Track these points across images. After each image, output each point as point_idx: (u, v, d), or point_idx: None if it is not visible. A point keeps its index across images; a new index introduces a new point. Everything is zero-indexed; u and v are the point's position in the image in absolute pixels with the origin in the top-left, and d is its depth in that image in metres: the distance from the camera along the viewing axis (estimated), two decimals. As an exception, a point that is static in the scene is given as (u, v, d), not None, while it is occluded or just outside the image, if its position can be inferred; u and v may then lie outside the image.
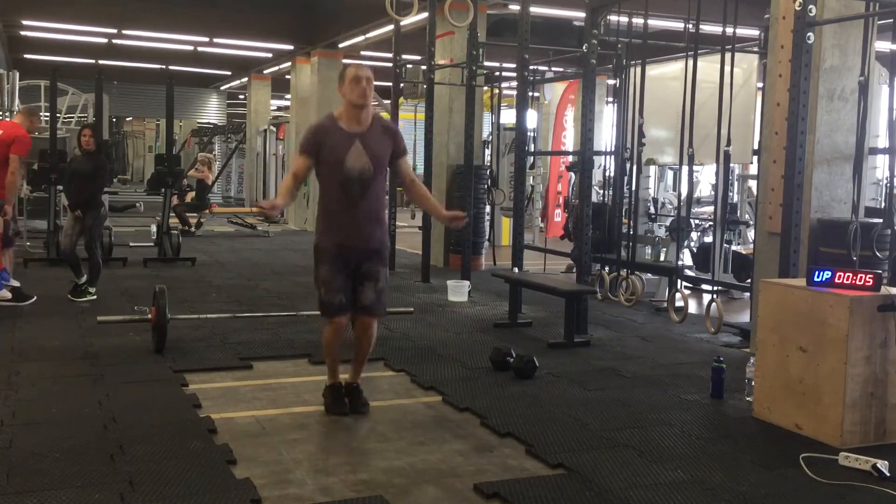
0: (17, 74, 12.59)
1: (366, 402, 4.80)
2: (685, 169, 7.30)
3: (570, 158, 12.27)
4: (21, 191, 11.93)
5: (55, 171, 10.49)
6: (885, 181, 8.64)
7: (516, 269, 7.94)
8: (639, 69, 7.67)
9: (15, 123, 7.96)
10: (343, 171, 4.47)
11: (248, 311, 7.54)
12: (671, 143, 7.96)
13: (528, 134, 10.73)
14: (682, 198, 7.75)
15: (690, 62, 6.77)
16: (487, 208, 11.78)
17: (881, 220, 5.82)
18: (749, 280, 7.58)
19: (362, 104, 4.51)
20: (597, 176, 10.66)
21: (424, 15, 10.36)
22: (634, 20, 8.12)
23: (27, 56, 20.20)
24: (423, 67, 10.80)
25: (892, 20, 7.13)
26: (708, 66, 6.97)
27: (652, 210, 10.09)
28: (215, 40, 17.63)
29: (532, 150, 12.96)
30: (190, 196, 14.92)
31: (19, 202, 11.90)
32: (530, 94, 10.23)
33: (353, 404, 4.77)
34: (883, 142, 7.73)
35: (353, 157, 4.47)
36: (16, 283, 8.18)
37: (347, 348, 4.78)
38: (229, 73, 23.20)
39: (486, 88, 12.73)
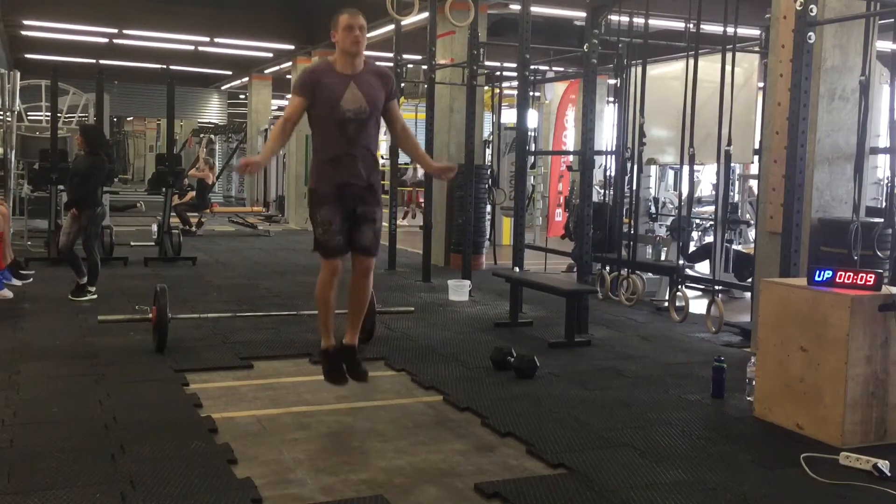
0: (18, 74, 12.59)
1: (364, 368, 4.74)
2: (686, 169, 7.29)
3: (571, 158, 12.27)
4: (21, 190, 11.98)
5: (56, 171, 10.49)
6: (885, 181, 8.63)
7: (517, 269, 7.94)
8: (639, 69, 7.66)
9: None
10: (339, 112, 4.47)
11: (249, 310, 7.54)
12: (672, 143, 7.95)
13: (529, 133, 10.72)
14: (683, 197, 7.74)
15: (691, 62, 6.77)
16: (488, 208, 11.78)
17: (882, 220, 5.82)
18: (750, 279, 7.57)
19: (356, 52, 4.51)
20: (597, 175, 10.65)
21: (425, 15, 10.35)
22: (635, 20, 8.11)
23: (28, 56, 20.21)
24: (424, 67, 10.81)
25: (893, 20, 7.12)
26: (709, 65, 6.96)
27: (653, 209, 10.08)
28: (216, 40, 17.63)
29: (533, 149, 12.95)
30: (190, 196, 14.93)
31: (20, 201, 11.94)
32: (531, 93, 10.22)
33: (350, 370, 4.71)
34: (884, 141, 7.72)
35: (348, 98, 4.48)
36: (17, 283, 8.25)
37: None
38: (230, 72, 23.20)
39: (486, 88, 12.73)
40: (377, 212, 4.65)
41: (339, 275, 4.61)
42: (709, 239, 10.88)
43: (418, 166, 13.13)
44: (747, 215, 10.66)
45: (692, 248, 10.55)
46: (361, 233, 4.59)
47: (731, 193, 9.38)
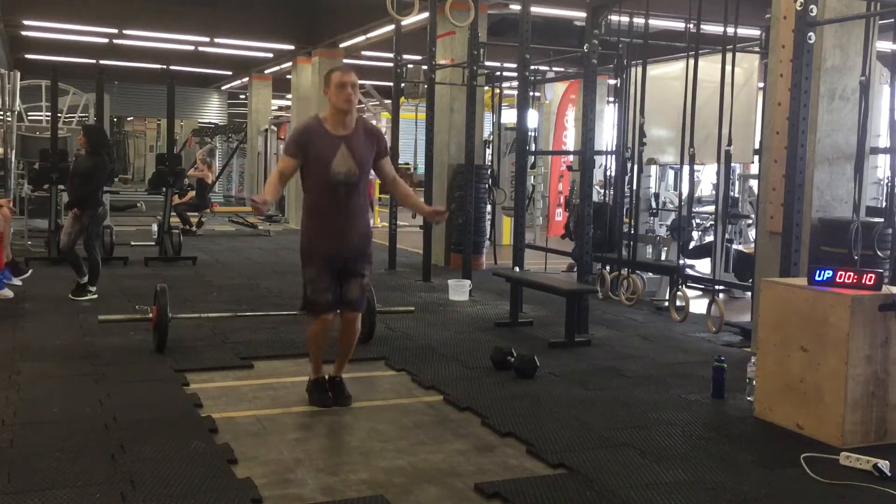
0: (18, 74, 12.59)
1: (349, 395, 4.92)
2: (686, 168, 7.29)
3: (571, 158, 12.27)
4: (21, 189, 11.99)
5: (56, 171, 10.49)
6: (886, 181, 8.63)
7: (517, 269, 7.94)
8: (640, 69, 7.66)
9: None
10: (329, 175, 4.56)
11: (249, 310, 7.54)
12: (672, 143, 7.95)
13: (529, 133, 10.71)
14: (684, 197, 7.74)
15: (691, 62, 6.77)
16: (488, 208, 11.78)
17: (882, 220, 5.82)
18: (751, 279, 7.57)
19: (347, 109, 4.60)
20: (597, 175, 10.65)
21: (425, 15, 10.35)
22: (635, 20, 8.11)
23: (28, 56, 20.21)
24: (424, 67, 10.81)
25: (893, 20, 7.12)
26: (709, 65, 6.96)
27: (653, 205, 10.06)
28: (216, 40, 17.63)
29: (533, 149, 12.94)
30: (190, 195, 14.93)
31: (20, 201, 11.93)
32: (531, 93, 10.21)
33: (336, 397, 4.88)
34: (884, 141, 7.71)
35: (339, 161, 4.56)
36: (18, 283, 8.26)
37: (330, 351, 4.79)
38: (230, 72, 23.20)
39: (486, 88, 12.72)
40: (367, 268, 4.78)
41: (330, 326, 4.78)
42: (709, 238, 10.88)
43: (419, 168, 13.08)
44: (748, 207, 10.66)
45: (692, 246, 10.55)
46: (349, 287, 4.72)
47: (732, 192, 9.37)
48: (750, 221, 10.73)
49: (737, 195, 10.43)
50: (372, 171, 4.83)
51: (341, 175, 4.56)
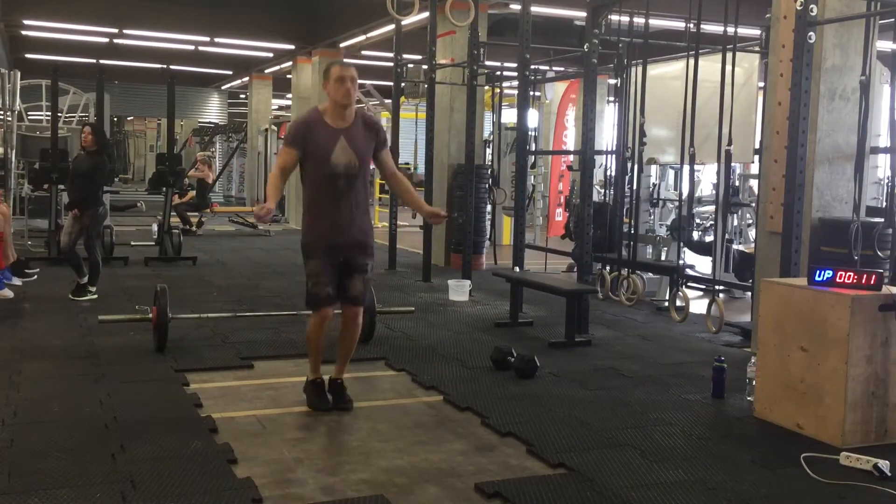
0: (19, 74, 12.58)
1: (349, 399, 4.84)
2: (686, 168, 7.29)
3: (571, 158, 12.26)
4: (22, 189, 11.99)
5: (56, 171, 10.49)
6: (886, 180, 8.63)
7: (517, 269, 7.94)
8: (640, 69, 7.66)
9: None
10: (329, 167, 4.54)
11: (250, 310, 7.55)
12: (672, 143, 7.95)
13: (530, 133, 10.72)
14: (684, 197, 7.74)
15: (691, 62, 6.76)
16: (489, 207, 11.78)
17: (882, 220, 5.81)
18: (751, 279, 7.57)
19: (346, 104, 4.59)
20: (598, 175, 10.65)
21: (425, 14, 10.35)
22: (635, 20, 8.11)
23: (28, 55, 20.22)
24: (424, 67, 10.80)
25: (893, 20, 7.11)
26: (709, 65, 6.96)
27: (654, 196, 10.03)
28: (216, 40, 17.63)
29: (533, 149, 12.95)
30: (190, 195, 14.93)
31: (20, 201, 11.94)
32: (531, 93, 10.21)
33: (336, 401, 4.81)
34: (884, 141, 7.71)
35: (338, 153, 4.55)
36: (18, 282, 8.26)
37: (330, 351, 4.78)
38: (230, 72, 23.21)
39: (487, 88, 12.72)
40: (368, 263, 4.74)
41: (329, 321, 4.74)
42: (710, 238, 10.88)
43: (419, 168, 13.10)
44: (748, 215, 10.66)
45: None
46: (352, 283, 4.69)
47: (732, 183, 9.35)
48: (750, 221, 10.73)
49: (737, 183, 10.41)
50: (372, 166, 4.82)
51: (341, 167, 4.54)
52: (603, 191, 11.41)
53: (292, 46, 17.58)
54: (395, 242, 10.87)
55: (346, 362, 4.92)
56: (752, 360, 5.07)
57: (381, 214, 14.46)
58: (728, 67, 6.53)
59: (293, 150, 4.58)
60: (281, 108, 29.74)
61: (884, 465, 3.93)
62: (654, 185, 10.12)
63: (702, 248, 10.43)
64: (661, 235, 9.91)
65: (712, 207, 10.68)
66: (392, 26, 11.52)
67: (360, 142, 4.62)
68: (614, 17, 8.13)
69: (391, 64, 11.00)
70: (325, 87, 4.62)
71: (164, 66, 18.91)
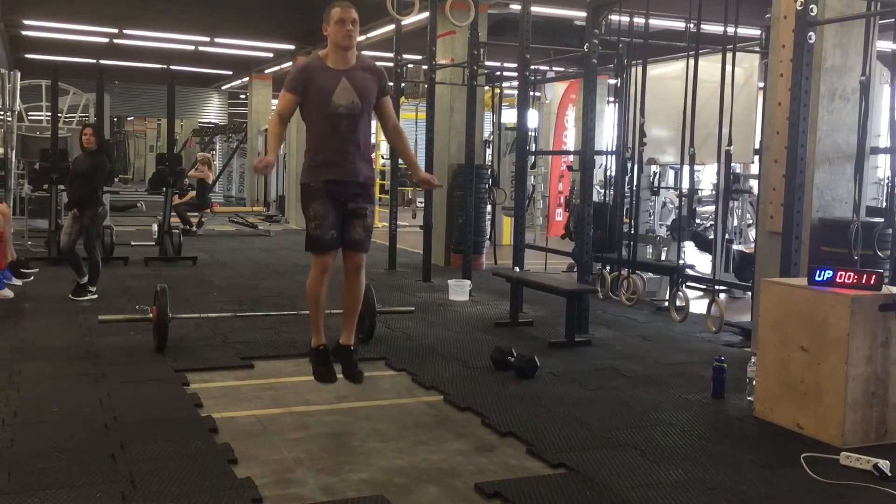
0: (19, 74, 12.59)
1: (360, 370, 4.69)
2: (686, 168, 7.29)
3: (571, 158, 12.26)
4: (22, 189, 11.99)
5: (56, 171, 10.49)
6: (886, 181, 8.63)
7: (517, 269, 7.94)
8: (640, 69, 7.66)
9: None
10: (331, 107, 4.43)
11: (250, 310, 7.55)
12: (672, 143, 7.95)
13: (529, 133, 10.71)
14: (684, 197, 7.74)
15: (691, 62, 6.77)
16: (489, 207, 11.78)
17: (882, 220, 5.82)
18: (751, 279, 7.57)
19: (348, 45, 4.47)
20: (598, 175, 10.64)
21: (425, 14, 10.35)
22: (635, 20, 8.11)
23: (28, 56, 20.21)
24: (424, 67, 10.80)
25: (893, 20, 7.11)
26: (709, 65, 6.96)
27: (655, 183, 10.00)
28: (216, 40, 17.63)
29: (533, 149, 12.95)
30: (190, 195, 14.93)
31: (20, 201, 11.94)
32: (531, 93, 10.21)
33: (344, 368, 4.66)
34: (884, 141, 7.71)
35: (340, 93, 4.44)
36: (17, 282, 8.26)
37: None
38: (230, 72, 23.21)
39: (487, 88, 12.72)
40: (369, 208, 4.61)
41: (330, 272, 4.58)
42: (710, 238, 10.87)
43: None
44: (748, 215, 10.65)
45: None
46: (353, 228, 4.54)
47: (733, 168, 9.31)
48: (750, 221, 10.73)
49: (738, 170, 10.37)
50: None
51: (343, 108, 4.43)
52: (603, 191, 11.41)
53: (292, 46, 17.58)
54: (395, 242, 10.86)
55: (352, 326, 4.72)
56: (752, 360, 5.07)
57: (382, 215, 14.44)
58: (728, 67, 6.53)
59: (292, 95, 4.46)
60: (281, 108, 29.68)
61: (884, 465, 3.93)
62: (655, 173, 10.06)
63: (704, 243, 10.42)
64: (662, 235, 9.91)
65: (712, 207, 10.69)
66: (392, 26, 11.52)
67: (362, 83, 4.50)
68: (614, 17, 8.14)
69: (391, 64, 11.00)
70: (326, 30, 4.49)
71: (164, 66, 18.92)
